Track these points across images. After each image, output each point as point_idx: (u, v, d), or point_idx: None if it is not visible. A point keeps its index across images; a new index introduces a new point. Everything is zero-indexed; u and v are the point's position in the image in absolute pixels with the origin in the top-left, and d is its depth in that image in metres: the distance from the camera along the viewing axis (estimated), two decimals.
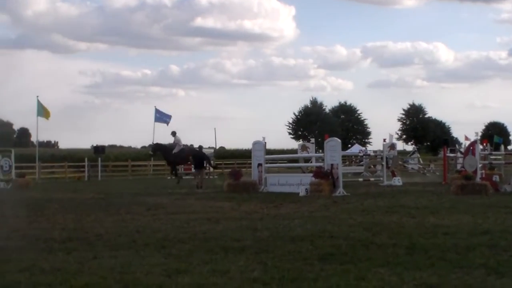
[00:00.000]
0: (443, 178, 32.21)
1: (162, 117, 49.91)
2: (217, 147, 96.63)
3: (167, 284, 7.67)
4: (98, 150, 48.67)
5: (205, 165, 31.48)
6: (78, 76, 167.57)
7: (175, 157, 36.05)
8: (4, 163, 34.53)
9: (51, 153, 66.93)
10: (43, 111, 44.21)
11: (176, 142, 36.49)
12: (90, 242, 11.11)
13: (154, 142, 40.02)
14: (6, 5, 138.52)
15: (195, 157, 31.58)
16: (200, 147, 34.04)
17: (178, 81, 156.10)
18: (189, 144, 45.82)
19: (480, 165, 25.74)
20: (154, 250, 10.16)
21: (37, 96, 44.25)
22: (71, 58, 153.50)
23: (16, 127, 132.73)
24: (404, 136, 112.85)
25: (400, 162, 44.83)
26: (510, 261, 8.87)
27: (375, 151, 40.12)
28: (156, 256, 9.65)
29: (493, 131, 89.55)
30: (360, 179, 33.72)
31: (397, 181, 30.48)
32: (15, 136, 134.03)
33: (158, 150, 38.42)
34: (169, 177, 38.03)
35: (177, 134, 37.05)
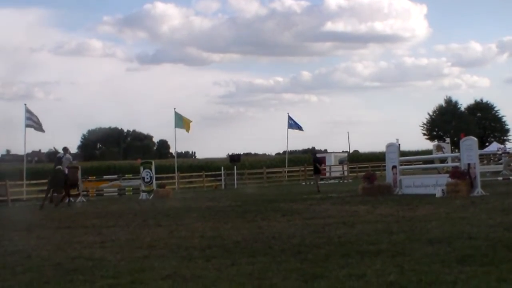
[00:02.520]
0: None
1: (295, 124, 50.40)
2: (351, 151, 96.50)
3: None
4: (234, 158, 49.81)
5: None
6: (213, 86, 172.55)
7: None
8: (146, 175, 36.06)
9: (189, 164, 69.20)
10: (182, 123, 45.59)
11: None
12: (228, 249, 11.39)
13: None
14: (144, 22, 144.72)
15: None
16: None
17: (310, 87, 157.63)
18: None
19: None
20: (290, 256, 10.29)
21: (174, 108, 45.85)
22: (206, 69, 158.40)
23: (155, 139, 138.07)
24: None
25: None
26: None
27: None
28: (292, 261, 9.77)
29: None
30: (500, 178, 32.62)
31: None
32: (155, 148, 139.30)
33: None
34: (303, 183, 38.14)
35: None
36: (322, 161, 46.56)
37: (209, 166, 60.41)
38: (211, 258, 10.48)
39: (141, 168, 36.90)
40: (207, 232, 14.41)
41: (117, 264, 10.21)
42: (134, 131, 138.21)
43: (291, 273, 8.79)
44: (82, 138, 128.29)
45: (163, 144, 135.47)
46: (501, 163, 40.22)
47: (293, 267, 9.26)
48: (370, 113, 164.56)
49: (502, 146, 56.99)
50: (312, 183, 38.80)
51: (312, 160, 38.31)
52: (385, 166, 29.15)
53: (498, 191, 23.59)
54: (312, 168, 36.74)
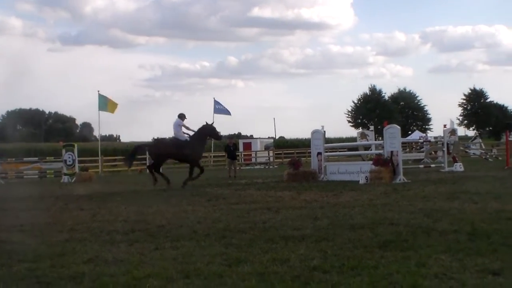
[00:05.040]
0: (506, 162, 31.63)
1: (222, 108, 50.27)
2: (276, 137, 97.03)
3: (227, 273, 7.75)
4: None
5: None
6: (138, 70, 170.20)
7: None
8: (68, 157, 35.41)
9: (114, 147, 68.22)
10: (107, 105, 44.82)
11: None
12: (151, 234, 11.28)
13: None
14: (66, 2, 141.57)
15: None
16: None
17: (237, 72, 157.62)
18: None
19: None
20: (215, 240, 10.26)
21: (98, 91, 45.07)
22: (131, 52, 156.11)
23: (79, 122, 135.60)
24: (466, 121, 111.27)
25: (461, 148, 44.20)
26: None
27: (435, 137, 39.64)
28: (217, 246, 9.74)
29: None
30: (421, 166, 33.38)
31: (459, 167, 30.08)
32: (78, 130, 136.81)
33: None
34: (227, 168, 38.14)
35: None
36: (237, 146, 46.74)
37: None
38: (134, 242, 10.36)
39: (63, 151, 36.20)
40: (130, 216, 14.25)
41: (37, 248, 9.97)
42: (56, 113, 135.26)
43: (215, 257, 8.76)
44: (0, 120, 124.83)
45: (87, 127, 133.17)
46: (422, 151, 41.11)
47: (217, 251, 9.23)
48: (296, 100, 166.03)
49: (424, 134, 58.40)
50: (239, 168, 38.93)
51: (226, 145, 38.32)
52: (310, 152, 29.37)
53: (419, 178, 24.11)
54: (226, 154, 36.89)
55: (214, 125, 26.05)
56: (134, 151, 27.08)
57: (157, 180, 24.62)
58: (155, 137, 33.23)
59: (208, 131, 25.77)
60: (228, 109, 52.57)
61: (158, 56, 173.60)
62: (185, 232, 11.33)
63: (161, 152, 25.52)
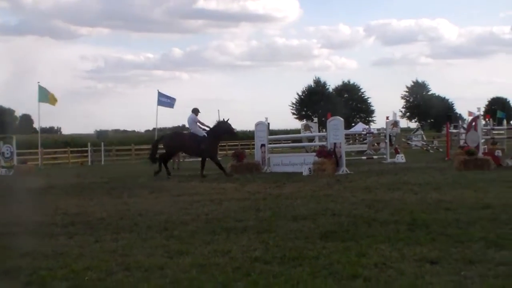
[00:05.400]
0: (446, 154, 32.21)
1: (165, 101, 49.79)
2: None
3: (168, 265, 7.69)
4: (101, 135, 48.94)
5: None
6: (80, 61, 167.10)
7: None
8: (6, 150, 34.60)
9: (54, 139, 67.07)
10: (47, 97, 43.96)
11: None
12: (92, 226, 11.12)
13: None
14: None
15: None
16: None
17: (181, 64, 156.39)
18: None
19: (482, 140, 25.68)
20: (156, 233, 10.18)
21: (38, 82, 44.17)
22: (73, 43, 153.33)
23: (18, 113, 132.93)
24: (408, 113, 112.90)
25: (403, 140, 44.84)
26: (510, 234, 8.87)
27: (378, 129, 40.08)
28: (158, 238, 9.67)
29: (496, 106, 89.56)
30: (364, 157, 33.74)
31: (400, 158, 30.52)
32: (17, 122, 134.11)
33: None
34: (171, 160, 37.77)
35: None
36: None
37: (76, 142, 58.78)
38: (74, 235, 10.21)
39: (1, 143, 35.39)
40: (70, 209, 14.01)
41: None
42: None
43: (156, 249, 8.70)
44: None
45: (26, 119, 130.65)
46: (365, 143, 41.52)
47: (158, 243, 9.16)
48: (242, 92, 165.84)
49: (367, 126, 58.93)
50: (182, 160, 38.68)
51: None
52: (254, 144, 29.38)
53: (362, 170, 24.34)
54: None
55: (229, 122, 25.92)
56: (156, 143, 27.12)
57: (169, 172, 25.00)
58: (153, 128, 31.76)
59: (224, 128, 25.64)
60: (173, 101, 52.10)
61: (101, 48, 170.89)
62: (126, 225, 11.21)
63: (176, 144, 25.57)
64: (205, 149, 24.49)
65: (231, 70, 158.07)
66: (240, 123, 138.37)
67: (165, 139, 26.66)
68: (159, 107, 47.58)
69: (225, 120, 25.48)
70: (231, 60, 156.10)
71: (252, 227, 10.40)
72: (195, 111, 25.36)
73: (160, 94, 50.24)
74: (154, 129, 53.83)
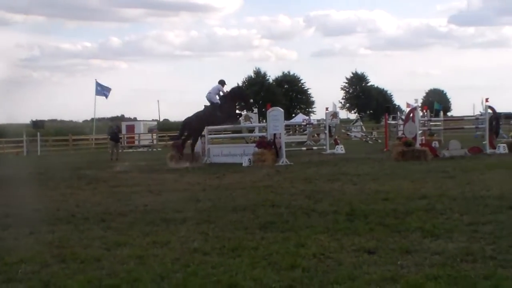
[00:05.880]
0: (385, 145, 32.63)
1: (103, 90, 49.21)
2: (161, 120, 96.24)
3: (105, 256, 7.58)
4: (37, 124, 48.03)
5: None
6: (15, 49, 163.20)
7: None
8: None
9: None
10: None
11: None
12: (27, 218, 10.89)
13: None
14: None
15: None
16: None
17: (120, 54, 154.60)
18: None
19: (420, 132, 26.10)
20: (94, 224, 10.03)
21: None
22: (7, 30, 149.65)
23: None
24: (347, 104, 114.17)
25: (343, 130, 45.34)
26: (446, 223, 9.02)
27: (318, 120, 40.40)
28: (95, 229, 9.53)
29: (434, 98, 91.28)
30: (304, 148, 33.89)
31: (340, 149, 30.78)
32: None
33: None
34: (110, 151, 37.34)
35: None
36: (120, 129, 46.46)
37: (10, 132, 57.49)
38: (8, 227, 9.99)
39: None
40: (4, 200, 13.69)
41: None
42: None
43: (93, 241, 8.58)
44: None
45: None
46: (305, 134, 41.80)
47: (96, 235, 9.03)
48: (182, 82, 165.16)
49: (307, 117, 59.38)
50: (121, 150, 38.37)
51: (108, 127, 37.97)
52: None
53: (302, 160, 24.46)
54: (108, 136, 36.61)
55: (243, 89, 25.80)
56: (183, 129, 26.81)
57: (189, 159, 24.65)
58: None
59: (237, 94, 25.99)
60: (108, 91, 51.47)
61: (37, 36, 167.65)
62: (62, 216, 11.03)
63: (201, 126, 25.85)
64: (222, 117, 25.11)
65: (171, 60, 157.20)
66: (180, 114, 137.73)
67: (191, 123, 26.31)
68: (97, 96, 47.02)
69: (239, 85, 25.69)
70: (170, 50, 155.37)
71: (191, 218, 10.34)
72: (222, 83, 25.92)
73: (98, 84, 49.58)
74: (92, 119, 53.11)
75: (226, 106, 25.17)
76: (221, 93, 25.40)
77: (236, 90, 25.31)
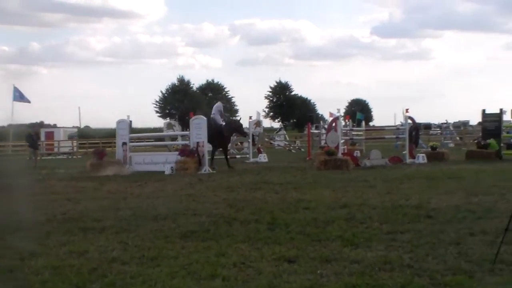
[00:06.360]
0: (308, 154, 32.92)
1: (21, 96, 48.07)
2: (82, 126, 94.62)
3: (19, 267, 7.34)
4: None
5: None
6: None
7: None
8: None
9: None
10: None
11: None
12: None
13: None
14: None
15: None
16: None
17: (40, 59, 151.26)
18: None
19: (342, 141, 26.43)
20: (7, 234, 9.69)
21: None
22: None
23: None
24: (271, 113, 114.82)
25: (266, 139, 45.49)
26: (365, 232, 9.13)
27: None
28: (9, 239, 9.23)
29: (356, 108, 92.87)
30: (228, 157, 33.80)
31: (263, 157, 30.89)
32: None
33: None
34: (28, 158, 36.38)
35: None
36: (39, 136, 45.70)
37: None
38: None
39: None
40: None
41: None
42: None
43: (6, 251, 8.30)
44: None
45: None
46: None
47: (9, 245, 8.75)
48: (104, 89, 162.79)
49: None
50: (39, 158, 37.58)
51: (27, 134, 37.27)
52: (116, 142, 28.82)
53: (225, 169, 24.42)
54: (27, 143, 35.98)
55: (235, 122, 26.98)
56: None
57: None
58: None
59: (236, 126, 26.55)
60: (28, 97, 50.30)
61: None
62: None
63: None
64: (225, 139, 25.96)
65: (93, 66, 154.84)
66: (101, 121, 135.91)
67: (228, 130, 26.36)
68: (15, 102, 45.89)
69: (238, 119, 26.58)
70: (92, 56, 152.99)
71: (110, 226, 10.16)
72: (220, 103, 27.45)
73: (16, 89, 48.38)
74: (9, 125, 51.73)
75: (228, 132, 26.05)
76: (222, 111, 26.52)
77: (237, 123, 26.94)
